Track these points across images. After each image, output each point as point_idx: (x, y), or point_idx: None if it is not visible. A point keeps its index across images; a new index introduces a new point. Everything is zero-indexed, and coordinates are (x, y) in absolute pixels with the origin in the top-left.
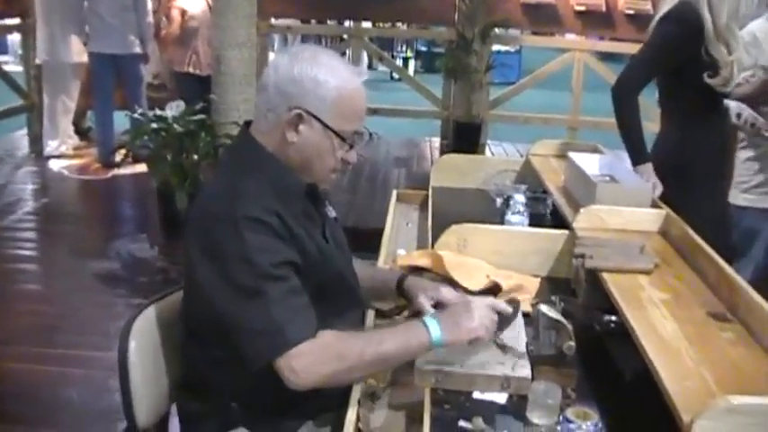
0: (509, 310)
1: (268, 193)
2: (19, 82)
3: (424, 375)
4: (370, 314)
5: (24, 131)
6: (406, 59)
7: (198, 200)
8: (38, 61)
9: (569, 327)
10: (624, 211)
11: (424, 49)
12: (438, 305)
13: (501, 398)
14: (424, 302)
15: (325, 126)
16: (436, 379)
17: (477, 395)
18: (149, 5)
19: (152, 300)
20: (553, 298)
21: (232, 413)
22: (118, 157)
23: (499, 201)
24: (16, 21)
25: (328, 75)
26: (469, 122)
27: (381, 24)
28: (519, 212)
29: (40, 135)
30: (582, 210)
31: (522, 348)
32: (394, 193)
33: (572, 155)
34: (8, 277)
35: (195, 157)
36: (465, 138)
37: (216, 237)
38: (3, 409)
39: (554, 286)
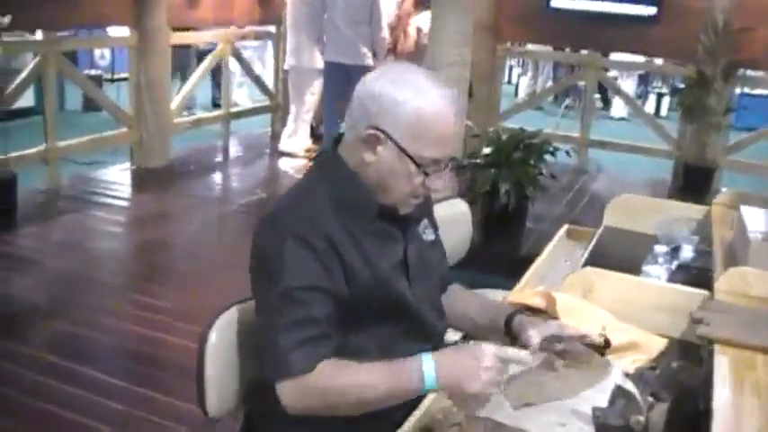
0: (525, 359)
1: (332, 211)
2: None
3: (473, 423)
4: None
5: (268, 130)
6: (659, 95)
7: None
8: (285, 67)
9: (639, 399)
10: None
11: (681, 86)
12: (547, 341)
13: None
14: (533, 336)
15: (401, 149)
16: (485, 427)
17: None
18: (385, 20)
19: (241, 300)
20: (674, 364)
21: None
22: None
23: (664, 250)
24: (272, 29)
25: (410, 94)
26: (701, 166)
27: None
28: (659, 263)
29: (279, 133)
30: (731, 269)
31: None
32: (564, 228)
33: (745, 208)
34: (193, 258)
35: None
36: (695, 181)
37: (262, 244)
38: None
39: (684, 351)
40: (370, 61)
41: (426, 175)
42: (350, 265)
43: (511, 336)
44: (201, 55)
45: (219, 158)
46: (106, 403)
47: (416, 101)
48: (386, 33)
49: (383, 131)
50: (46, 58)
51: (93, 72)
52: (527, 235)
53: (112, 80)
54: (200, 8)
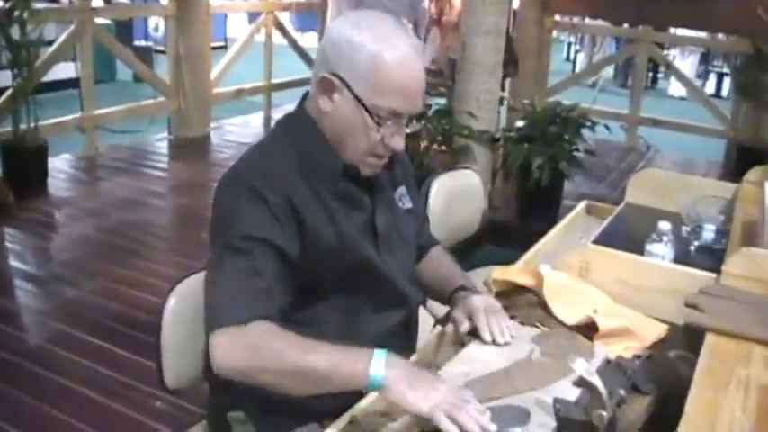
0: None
1: (297, 168)
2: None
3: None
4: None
5: None
6: (720, 75)
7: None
8: None
9: (604, 393)
10: None
11: None
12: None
13: None
14: (460, 315)
15: (355, 97)
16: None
17: None
18: None
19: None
20: (671, 353)
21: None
22: None
23: (686, 229)
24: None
25: (368, 39)
26: (756, 147)
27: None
28: (663, 242)
29: None
30: (742, 250)
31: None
32: (582, 204)
33: None
34: None
35: (424, 142)
36: (748, 163)
37: (218, 198)
38: None
39: (689, 340)
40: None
41: (379, 126)
42: (311, 224)
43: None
44: None
45: (259, 129)
46: (100, 370)
47: (375, 45)
48: (426, 3)
49: (338, 77)
50: (80, 28)
51: (143, 43)
52: (563, 213)
53: (165, 52)
54: None
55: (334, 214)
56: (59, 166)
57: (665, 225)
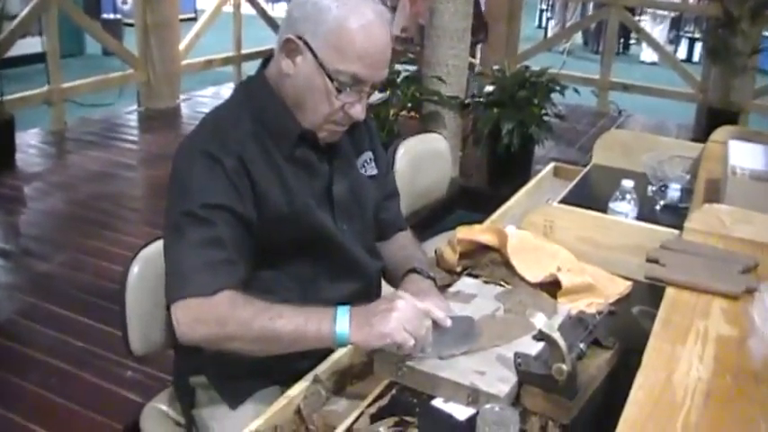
0: (446, 322)
1: (252, 133)
2: None
3: (385, 366)
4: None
5: None
6: (692, 40)
7: None
8: None
9: (563, 346)
10: (756, 217)
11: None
12: None
13: (463, 413)
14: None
15: (317, 60)
16: (397, 372)
17: (438, 403)
18: None
19: None
20: (635, 309)
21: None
22: None
23: (651, 188)
24: None
25: (334, 3)
26: (726, 110)
27: None
28: (627, 200)
29: None
30: (704, 206)
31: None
32: (550, 165)
33: (734, 143)
34: None
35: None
36: (717, 125)
37: (174, 163)
38: None
39: (652, 296)
40: None
41: (339, 92)
42: (263, 190)
43: None
44: None
45: None
46: (70, 341)
47: (341, 10)
48: None
49: (302, 39)
50: (45, 1)
51: (112, 16)
52: (534, 177)
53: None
54: None
55: (287, 180)
56: (28, 140)
57: (627, 183)
